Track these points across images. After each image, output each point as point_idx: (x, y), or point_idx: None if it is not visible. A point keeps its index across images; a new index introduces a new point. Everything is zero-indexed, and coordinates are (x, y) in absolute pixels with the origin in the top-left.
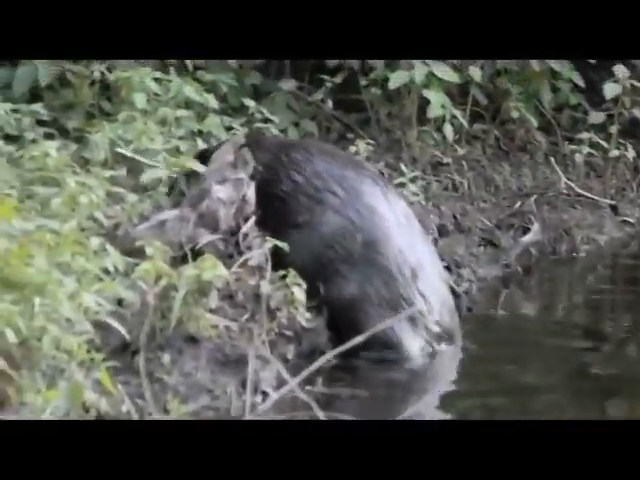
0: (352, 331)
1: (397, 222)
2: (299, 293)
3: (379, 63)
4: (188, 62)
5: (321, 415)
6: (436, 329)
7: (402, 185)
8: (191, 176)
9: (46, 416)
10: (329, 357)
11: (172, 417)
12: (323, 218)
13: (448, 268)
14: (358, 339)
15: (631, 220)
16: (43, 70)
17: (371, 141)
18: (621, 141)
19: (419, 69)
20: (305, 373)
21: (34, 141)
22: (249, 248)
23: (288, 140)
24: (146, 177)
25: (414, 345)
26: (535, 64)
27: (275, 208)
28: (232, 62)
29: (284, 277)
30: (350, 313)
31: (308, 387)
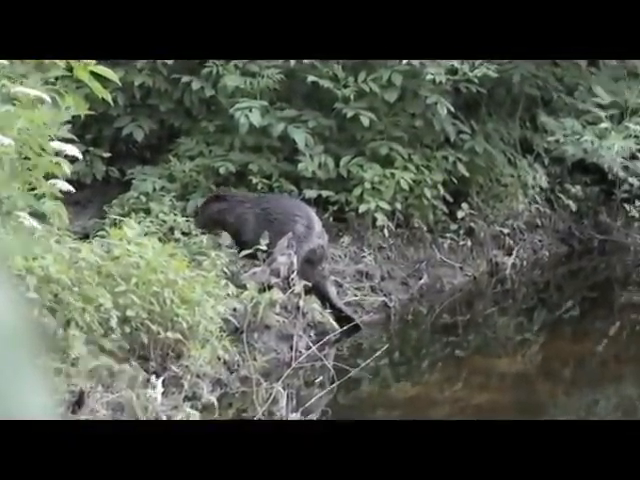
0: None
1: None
2: (316, 306)
3: (354, 199)
4: None
5: (329, 364)
6: None
7: (366, 256)
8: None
9: (200, 362)
10: (332, 336)
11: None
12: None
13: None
14: (354, 323)
15: (469, 274)
16: None
17: (350, 237)
18: (465, 236)
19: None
20: (319, 343)
21: (196, 235)
22: (294, 285)
23: None
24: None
25: None
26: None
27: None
28: None
29: (310, 298)
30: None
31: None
